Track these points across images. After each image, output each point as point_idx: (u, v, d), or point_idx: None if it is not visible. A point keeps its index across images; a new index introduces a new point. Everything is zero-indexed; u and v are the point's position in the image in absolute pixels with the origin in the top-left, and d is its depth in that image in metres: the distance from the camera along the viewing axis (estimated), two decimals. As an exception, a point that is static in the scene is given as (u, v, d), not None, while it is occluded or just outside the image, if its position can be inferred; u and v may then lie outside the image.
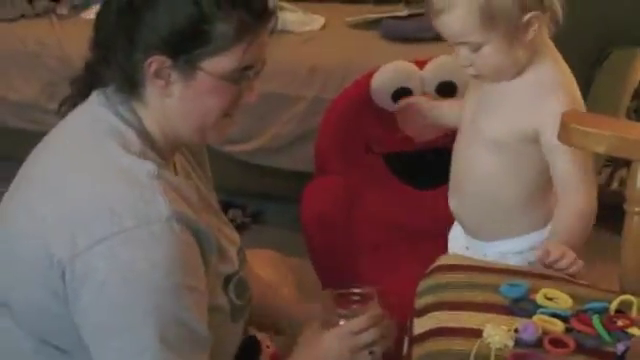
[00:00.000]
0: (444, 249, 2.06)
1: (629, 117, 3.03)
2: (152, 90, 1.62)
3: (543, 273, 1.65)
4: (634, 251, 1.68)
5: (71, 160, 1.63)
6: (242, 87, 1.64)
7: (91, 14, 3.19)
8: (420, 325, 1.58)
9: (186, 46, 1.59)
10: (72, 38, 3.10)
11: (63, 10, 3.22)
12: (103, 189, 1.56)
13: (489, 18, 1.70)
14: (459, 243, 2.01)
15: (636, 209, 1.66)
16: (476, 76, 1.82)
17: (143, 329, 1.53)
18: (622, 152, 1.64)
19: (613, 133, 1.63)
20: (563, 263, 1.63)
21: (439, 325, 1.55)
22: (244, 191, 3.21)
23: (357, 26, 3.17)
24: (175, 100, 1.62)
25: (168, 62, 1.59)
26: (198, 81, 1.61)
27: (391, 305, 1.79)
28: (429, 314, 1.59)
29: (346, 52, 2.99)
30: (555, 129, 1.68)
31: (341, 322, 1.75)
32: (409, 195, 2.57)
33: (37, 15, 3.26)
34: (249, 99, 1.67)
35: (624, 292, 1.61)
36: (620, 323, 1.51)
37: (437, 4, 1.72)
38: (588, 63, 2.56)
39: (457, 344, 1.48)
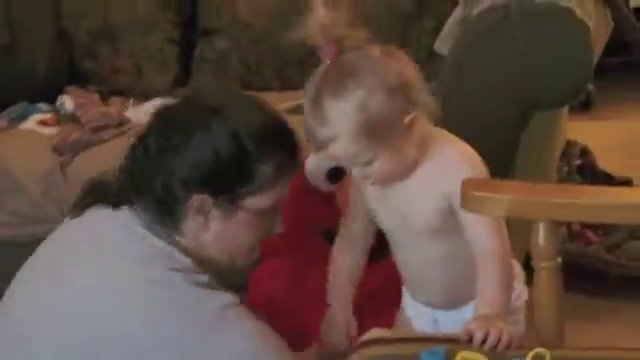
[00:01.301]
0: (392, 320, 2.11)
1: (560, 177, 3.11)
2: (191, 224, 1.68)
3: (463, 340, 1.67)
4: (546, 305, 1.73)
5: (118, 287, 1.66)
6: (267, 219, 1.72)
7: (28, 124, 3.25)
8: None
9: (230, 186, 1.66)
10: (11, 150, 3.15)
11: (2, 123, 3.27)
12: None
13: (373, 135, 1.72)
14: (424, 319, 2.01)
15: (542, 265, 1.71)
16: (373, 184, 1.85)
17: None
18: (522, 214, 1.70)
19: (510, 197, 1.68)
20: (487, 346, 1.64)
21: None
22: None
23: (291, 112, 3.24)
24: (212, 234, 1.68)
25: (210, 200, 1.64)
26: (237, 217, 1.68)
27: None
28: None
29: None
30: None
31: None
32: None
33: (-27, 131, 3.30)
34: (274, 230, 1.77)
35: (543, 344, 1.64)
36: (534, 376, 1.56)
37: (319, 138, 1.74)
38: (510, 127, 2.63)
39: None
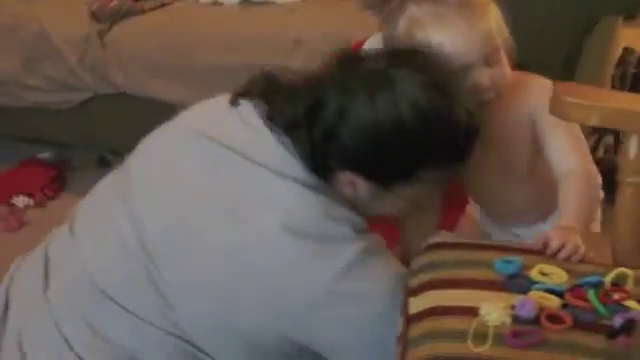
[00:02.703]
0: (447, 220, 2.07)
1: (614, 84, 3.04)
2: (338, 185, 1.64)
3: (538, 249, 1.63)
4: (628, 222, 1.68)
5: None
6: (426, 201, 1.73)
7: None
8: (415, 304, 1.56)
9: (387, 177, 1.63)
10: (48, 13, 3.08)
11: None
12: None
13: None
14: (505, 235, 1.99)
15: (629, 180, 1.66)
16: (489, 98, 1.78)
17: None
18: (614, 123, 1.65)
19: (605, 105, 1.62)
20: (563, 254, 1.60)
21: (435, 304, 1.53)
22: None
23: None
24: (357, 198, 1.65)
25: (362, 180, 1.62)
26: (387, 199, 1.66)
27: None
28: (424, 293, 1.57)
29: (330, 23, 2.96)
30: (544, 116, 1.71)
31: None
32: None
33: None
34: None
35: (618, 264, 1.59)
36: (616, 296, 1.50)
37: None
38: (577, 31, 2.57)
39: (454, 322, 1.47)
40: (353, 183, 1.63)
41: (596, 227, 1.91)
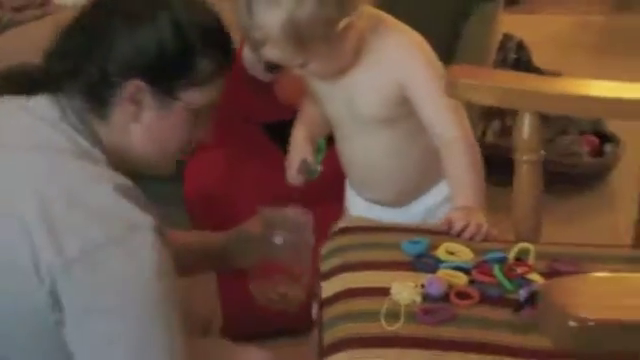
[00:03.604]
0: (328, 213, 2.07)
1: (495, 68, 3.11)
2: (121, 113, 1.57)
3: (442, 230, 1.67)
4: (526, 200, 1.73)
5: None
6: (198, 122, 1.63)
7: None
8: (328, 288, 1.59)
9: (169, 75, 1.57)
10: None
11: None
12: None
13: (302, 42, 1.70)
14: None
15: (524, 157, 1.70)
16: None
17: None
18: (510, 103, 1.68)
19: (499, 85, 1.66)
20: (467, 234, 1.65)
21: (347, 287, 1.56)
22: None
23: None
24: (142, 126, 1.59)
25: (146, 88, 1.56)
26: (171, 111, 1.59)
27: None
28: (335, 276, 1.60)
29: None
30: (416, 81, 1.73)
31: (277, 238, 1.85)
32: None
33: None
34: (202, 135, 1.66)
35: (519, 240, 1.65)
36: (519, 270, 1.55)
37: (253, 39, 1.73)
38: (456, 16, 2.61)
39: (366, 303, 1.50)
40: (136, 97, 1.57)
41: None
